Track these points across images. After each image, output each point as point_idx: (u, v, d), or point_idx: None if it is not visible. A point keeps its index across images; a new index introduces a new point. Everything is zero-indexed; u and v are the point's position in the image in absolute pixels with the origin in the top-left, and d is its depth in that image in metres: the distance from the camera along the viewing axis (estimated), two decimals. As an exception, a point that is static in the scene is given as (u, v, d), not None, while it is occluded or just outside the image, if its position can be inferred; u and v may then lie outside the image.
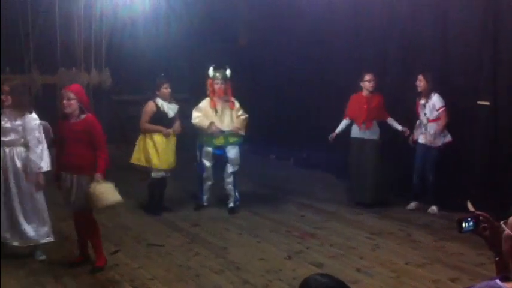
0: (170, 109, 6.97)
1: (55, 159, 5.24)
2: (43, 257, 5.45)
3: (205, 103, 6.97)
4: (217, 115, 6.92)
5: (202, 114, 6.90)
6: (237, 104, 7.04)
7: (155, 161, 6.85)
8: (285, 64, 9.97)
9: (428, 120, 6.81)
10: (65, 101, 5.06)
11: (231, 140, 6.98)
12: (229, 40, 11.00)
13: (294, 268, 5.19)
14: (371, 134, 7.25)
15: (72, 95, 5.07)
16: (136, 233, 6.30)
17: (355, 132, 7.29)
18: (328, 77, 8.77)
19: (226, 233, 6.33)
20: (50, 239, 5.45)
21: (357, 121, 7.24)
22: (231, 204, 7.14)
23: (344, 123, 7.37)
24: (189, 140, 7.20)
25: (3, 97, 5.21)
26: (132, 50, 9.68)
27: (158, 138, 6.87)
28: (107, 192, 5.00)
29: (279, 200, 7.75)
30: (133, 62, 9.47)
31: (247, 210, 7.16)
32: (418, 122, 7.02)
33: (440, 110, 6.73)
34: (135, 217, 6.88)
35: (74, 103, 5.07)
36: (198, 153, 7.13)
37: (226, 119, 6.94)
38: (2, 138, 5.22)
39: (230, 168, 7.05)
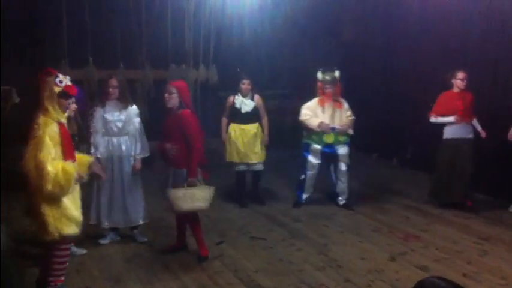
0: (245, 105, 7.09)
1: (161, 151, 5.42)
2: (145, 239, 5.90)
3: (314, 102, 7.04)
4: (326, 114, 6.96)
5: (311, 113, 6.97)
6: (345, 105, 7.07)
7: (229, 155, 7.16)
8: (389, 61, 9.76)
9: None
10: (166, 95, 5.24)
11: (341, 138, 7.01)
12: (334, 36, 10.94)
13: (397, 270, 5.11)
14: (467, 132, 6.93)
15: (173, 90, 5.23)
16: (240, 226, 6.49)
17: (450, 132, 6.96)
18: (437, 75, 8.46)
19: (327, 230, 6.35)
20: (147, 220, 5.93)
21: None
22: (344, 201, 7.23)
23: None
24: (288, 136, 7.27)
25: (110, 90, 5.61)
26: (238, 47, 9.93)
27: (233, 130, 7.13)
28: (183, 199, 5.03)
29: (382, 199, 7.64)
30: (239, 59, 9.69)
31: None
32: None
33: None
34: (238, 210, 7.09)
35: (175, 97, 5.21)
36: (303, 151, 7.18)
37: (336, 118, 6.98)
38: (108, 127, 5.65)
39: (343, 166, 7.09)
